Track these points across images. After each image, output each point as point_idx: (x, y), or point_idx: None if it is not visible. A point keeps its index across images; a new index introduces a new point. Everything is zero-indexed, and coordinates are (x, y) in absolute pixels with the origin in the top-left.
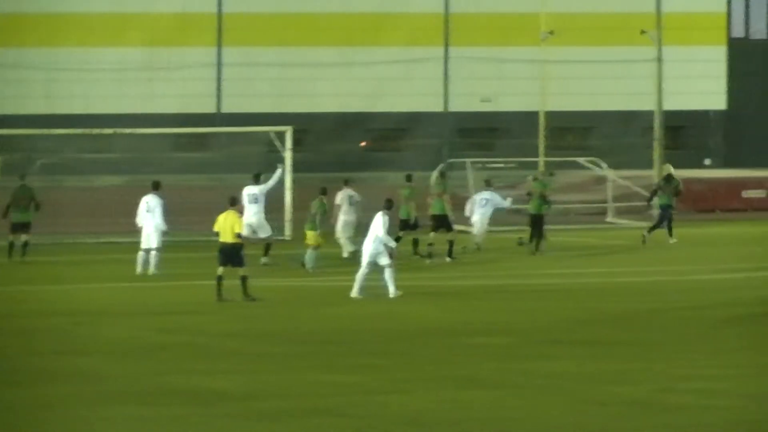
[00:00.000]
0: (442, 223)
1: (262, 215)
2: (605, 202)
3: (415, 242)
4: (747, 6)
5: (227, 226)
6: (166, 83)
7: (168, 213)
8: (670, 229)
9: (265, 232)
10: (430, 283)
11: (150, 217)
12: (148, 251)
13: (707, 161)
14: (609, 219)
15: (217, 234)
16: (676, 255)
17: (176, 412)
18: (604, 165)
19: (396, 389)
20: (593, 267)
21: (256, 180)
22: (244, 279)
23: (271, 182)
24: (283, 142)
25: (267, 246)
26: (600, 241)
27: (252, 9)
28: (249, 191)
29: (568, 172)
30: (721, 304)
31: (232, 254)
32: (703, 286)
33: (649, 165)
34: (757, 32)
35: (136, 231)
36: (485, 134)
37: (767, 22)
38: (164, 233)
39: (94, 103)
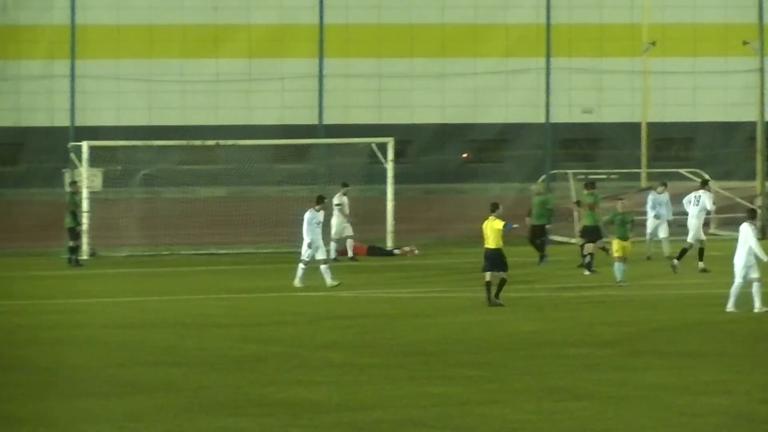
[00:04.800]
0: (595, 234)
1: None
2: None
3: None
4: None
5: (489, 232)
6: (264, 94)
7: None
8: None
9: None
10: (529, 294)
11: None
12: (307, 263)
13: None
14: (711, 230)
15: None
16: None
17: (265, 422)
18: (706, 176)
19: (491, 400)
20: (696, 278)
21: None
22: (502, 281)
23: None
24: (384, 153)
25: (700, 251)
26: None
27: (351, 20)
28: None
29: (669, 183)
30: None
31: (495, 259)
32: None
33: (750, 176)
34: None
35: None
36: (586, 145)
37: None
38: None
39: (192, 115)
